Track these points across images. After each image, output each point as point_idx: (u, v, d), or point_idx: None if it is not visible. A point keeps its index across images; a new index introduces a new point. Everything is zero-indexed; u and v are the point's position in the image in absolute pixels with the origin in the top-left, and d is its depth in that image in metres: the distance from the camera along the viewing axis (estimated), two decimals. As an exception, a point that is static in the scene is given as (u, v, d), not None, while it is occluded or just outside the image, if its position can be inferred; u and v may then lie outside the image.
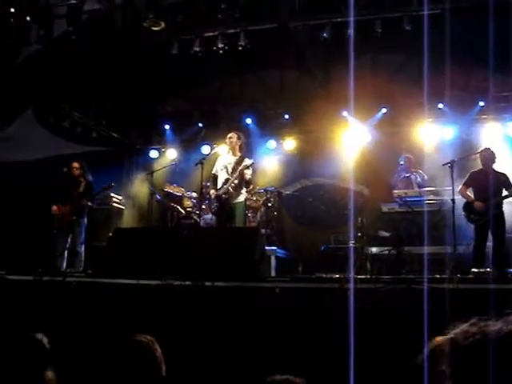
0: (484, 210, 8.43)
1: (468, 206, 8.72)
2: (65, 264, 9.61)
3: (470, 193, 8.84)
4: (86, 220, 9.98)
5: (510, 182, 8.64)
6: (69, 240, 9.76)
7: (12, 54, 10.47)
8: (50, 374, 2.79)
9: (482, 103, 11.47)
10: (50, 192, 10.35)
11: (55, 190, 10.32)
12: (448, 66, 8.89)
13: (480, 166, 8.97)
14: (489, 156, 8.86)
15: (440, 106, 11.64)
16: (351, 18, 9.59)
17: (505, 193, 8.53)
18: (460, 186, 8.93)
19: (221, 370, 5.71)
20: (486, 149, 9.07)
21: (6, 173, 10.77)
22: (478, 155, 9.18)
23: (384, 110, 12.13)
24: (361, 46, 10.17)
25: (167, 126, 14.03)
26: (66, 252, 9.71)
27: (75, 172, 10.02)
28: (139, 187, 13.43)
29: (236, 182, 9.39)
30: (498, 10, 7.58)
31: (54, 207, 9.88)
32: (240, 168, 9.34)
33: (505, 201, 8.71)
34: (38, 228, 10.33)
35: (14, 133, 11.19)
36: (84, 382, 5.05)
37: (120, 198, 12.28)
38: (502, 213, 8.49)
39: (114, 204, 11.96)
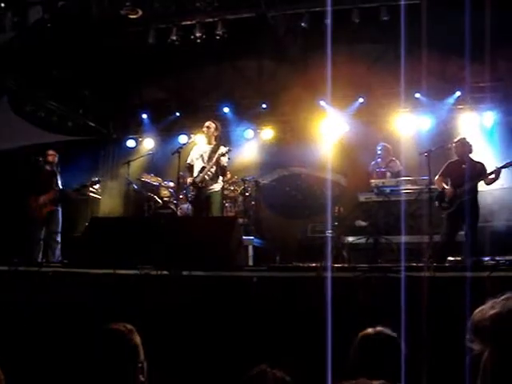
0: (454, 196, 8.42)
1: (440, 195, 8.72)
2: (41, 254, 9.52)
3: (447, 183, 8.83)
4: (60, 209, 9.92)
5: (486, 171, 8.62)
6: (43, 230, 9.66)
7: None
8: None
9: (458, 93, 11.58)
10: (24, 182, 10.23)
11: (30, 179, 10.18)
12: (425, 55, 8.92)
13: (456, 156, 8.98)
14: (463, 146, 8.85)
15: (417, 95, 11.73)
16: (329, 8, 9.58)
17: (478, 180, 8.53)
18: (437, 177, 8.94)
19: (199, 359, 5.71)
20: (460, 139, 9.04)
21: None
22: (451, 145, 9.21)
23: (361, 100, 12.17)
24: (338, 35, 10.18)
25: (144, 116, 13.96)
26: (42, 242, 9.63)
27: (50, 160, 9.91)
28: (116, 177, 13.35)
29: (212, 170, 9.37)
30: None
31: (32, 198, 9.76)
32: (216, 156, 9.33)
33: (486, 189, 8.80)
34: (12, 218, 10.22)
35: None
36: (61, 373, 5.02)
37: (96, 187, 12.19)
38: (475, 200, 8.49)
39: (91, 194, 11.87)
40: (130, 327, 2.99)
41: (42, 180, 9.92)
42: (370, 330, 3.19)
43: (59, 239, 9.72)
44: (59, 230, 9.78)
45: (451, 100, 11.68)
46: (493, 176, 8.47)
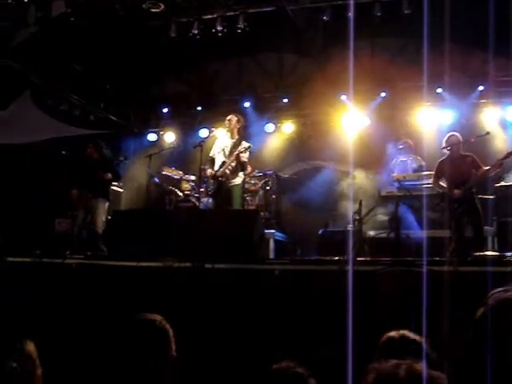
0: (463, 196, 8.39)
1: (443, 196, 8.68)
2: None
3: (443, 183, 8.80)
4: (107, 201, 9.82)
5: (477, 162, 8.58)
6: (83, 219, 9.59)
7: (8, 36, 10.40)
8: (30, 346, 2.79)
9: (481, 87, 11.46)
10: (66, 174, 10.21)
11: (73, 172, 10.19)
12: (447, 49, 8.86)
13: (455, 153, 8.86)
14: (453, 140, 8.81)
15: (439, 90, 11.64)
16: (351, 1, 9.55)
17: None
18: (432, 179, 8.94)
19: (221, 352, 5.74)
20: (450, 135, 8.98)
21: (4, 155, 10.74)
22: (474, 139, 9.16)
23: (383, 95, 12.10)
24: (360, 29, 10.13)
25: (165, 109, 14.04)
26: (87, 231, 9.58)
27: (88, 152, 9.86)
28: (137, 170, 13.41)
29: (233, 164, 9.40)
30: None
31: (74, 191, 9.64)
32: (236, 151, 9.35)
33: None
34: (37, 210, 10.30)
35: (11, 115, 11.14)
36: (89, 366, 5.08)
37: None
38: (475, 196, 8.45)
39: (112, 187, 11.93)
40: (161, 317, 3.02)
41: (84, 171, 9.83)
42: (393, 333, 3.16)
43: (98, 229, 9.50)
44: (99, 220, 9.55)
45: (474, 94, 11.58)
46: (495, 169, 8.46)
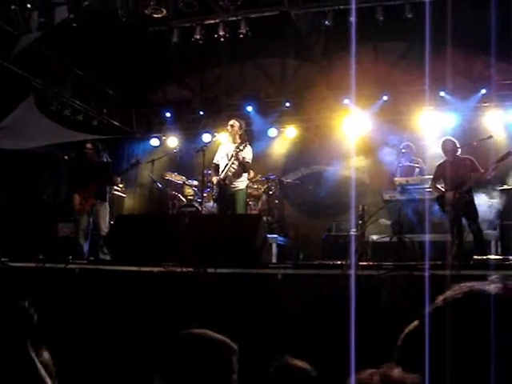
0: (456, 200, 8.37)
1: (440, 199, 8.67)
2: (86, 247, 9.35)
3: (441, 186, 8.79)
4: (107, 204, 9.73)
5: (475, 165, 8.55)
6: (88, 224, 9.50)
7: (12, 42, 10.42)
8: (45, 355, 2.70)
9: (483, 91, 11.49)
10: (69, 177, 10.19)
11: (73, 176, 10.16)
12: (450, 53, 8.87)
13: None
14: (448, 145, 8.80)
15: (442, 93, 11.66)
16: (353, 6, 9.55)
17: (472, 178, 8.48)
18: (430, 182, 8.95)
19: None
20: (444, 140, 8.97)
21: (8, 160, 10.74)
22: (476, 143, 9.15)
23: (385, 98, 12.11)
24: (362, 33, 10.15)
25: (168, 114, 14.06)
26: (90, 236, 9.46)
27: (88, 153, 9.80)
28: (140, 175, 13.43)
29: (234, 166, 9.38)
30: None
31: (76, 195, 9.51)
32: (236, 152, 9.35)
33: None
34: (39, 216, 10.30)
35: (15, 120, 11.15)
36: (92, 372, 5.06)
37: (121, 185, 12.24)
38: (472, 199, 8.45)
39: (115, 192, 11.95)
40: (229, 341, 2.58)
41: (84, 174, 9.74)
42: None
43: (103, 233, 9.43)
44: (102, 224, 9.49)
45: (476, 97, 11.59)
46: (491, 172, 8.43)
